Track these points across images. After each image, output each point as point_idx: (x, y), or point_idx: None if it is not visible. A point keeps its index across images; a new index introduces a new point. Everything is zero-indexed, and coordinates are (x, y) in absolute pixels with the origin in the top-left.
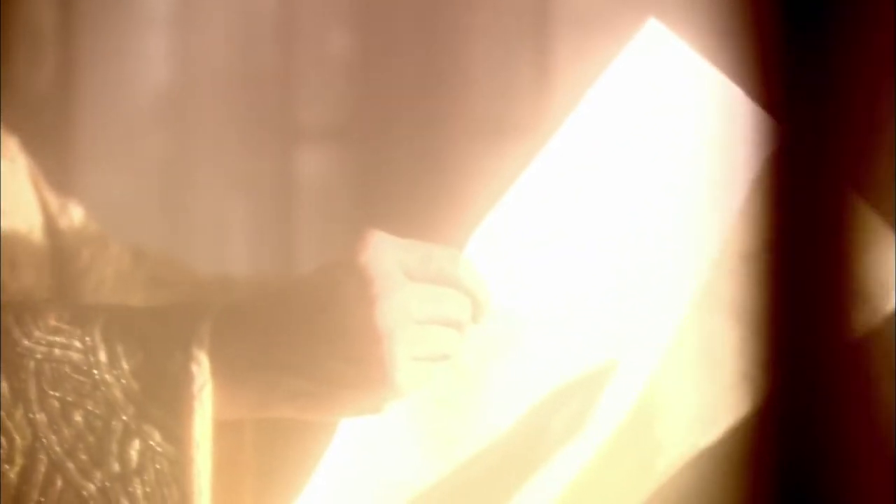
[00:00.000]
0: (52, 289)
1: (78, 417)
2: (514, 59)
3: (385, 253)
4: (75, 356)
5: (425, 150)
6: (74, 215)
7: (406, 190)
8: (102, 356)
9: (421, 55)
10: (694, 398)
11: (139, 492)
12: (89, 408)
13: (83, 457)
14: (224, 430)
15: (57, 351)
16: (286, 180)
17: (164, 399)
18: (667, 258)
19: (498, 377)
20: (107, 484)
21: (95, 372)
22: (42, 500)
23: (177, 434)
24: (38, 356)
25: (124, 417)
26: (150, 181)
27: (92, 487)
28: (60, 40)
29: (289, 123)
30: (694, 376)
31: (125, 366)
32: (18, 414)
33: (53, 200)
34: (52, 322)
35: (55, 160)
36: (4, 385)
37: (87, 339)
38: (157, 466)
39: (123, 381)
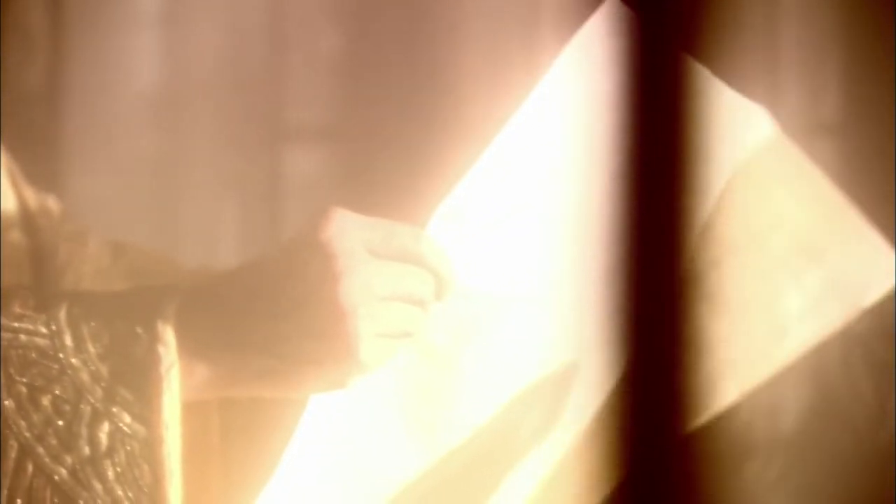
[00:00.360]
0: (30, 287)
1: (46, 402)
2: (502, 59)
3: (348, 230)
4: (41, 342)
5: (414, 150)
6: (53, 213)
7: (394, 189)
8: (68, 340)
9: (410, 56)
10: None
11: (110, 474)
12: (57, 392)
13: (53, 441)
14: (190, 411)
15: (23, 337)
16: (275, 180)
17: (131, 381)
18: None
19: (469, 358)
20: (77, 467)
21: (62, 356)
22: (13, 486)
23: (146, 415)
24: (4, 343)
25: (92, 400)
26: (140, 180)
27: (63, 471)
28: (50, 40)
29: (278, 123)
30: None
31: (91, 349)
32: None
33: (32, 198)
34: (17, 309)
35: (45, 159)
36: None
37: (52, 324)
38: (128, 448)
39: (90, 364)
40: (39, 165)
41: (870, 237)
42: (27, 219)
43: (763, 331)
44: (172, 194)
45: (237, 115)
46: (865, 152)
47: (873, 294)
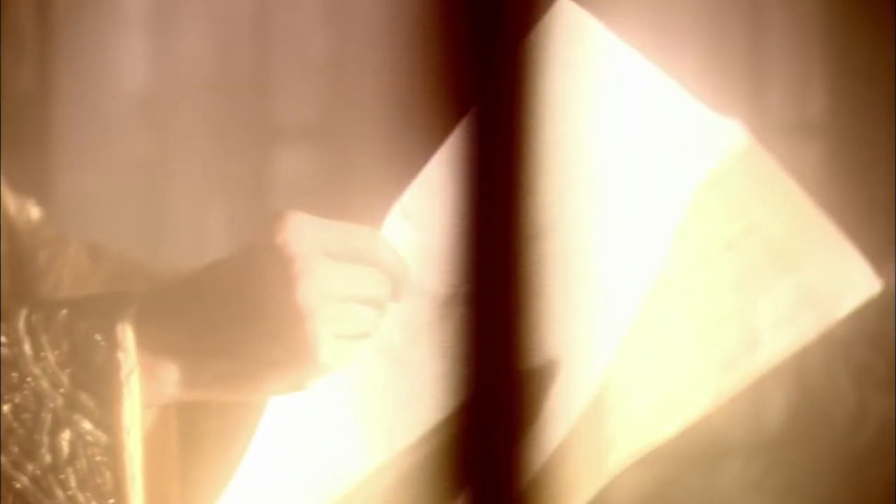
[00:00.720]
0: (9, 291)
1: (6, 410)
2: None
3: (304, 232)
4: (1, 351)
5: (401, 150)
6: (32, 216)
7: (382, 189)
8: (27, 349)
9: (396, 56)
10: (648, 395)
11: (72, 481)
12: (17, 401)
13: (14, 449)
14: (149, 415)
15: None
16: (263, 180)
17: (91, 388)
18: (606, 245)
19: (426, 357)
20: (39, 474)
21: (21, 364)
22: None
23: (107, 422)
24: None
25: (53, 408)
26: (129, 181)
27: (25, 479)
28: (40, 41)
29: (266, 124)
30: (648, 373)
31: (50, 357)
32: None
33: (11, 202)
34: None
35: (34, 160)
36: None
37: (11, 332)
38: (89, 455)
39: (50, 372)
40: (29, 167)
41: (843, 248)
42: (6, 224)
43: (735, 340)
44: (161, 194)
45: (226, 116)
46: (851, 150)
47: (846, 305)
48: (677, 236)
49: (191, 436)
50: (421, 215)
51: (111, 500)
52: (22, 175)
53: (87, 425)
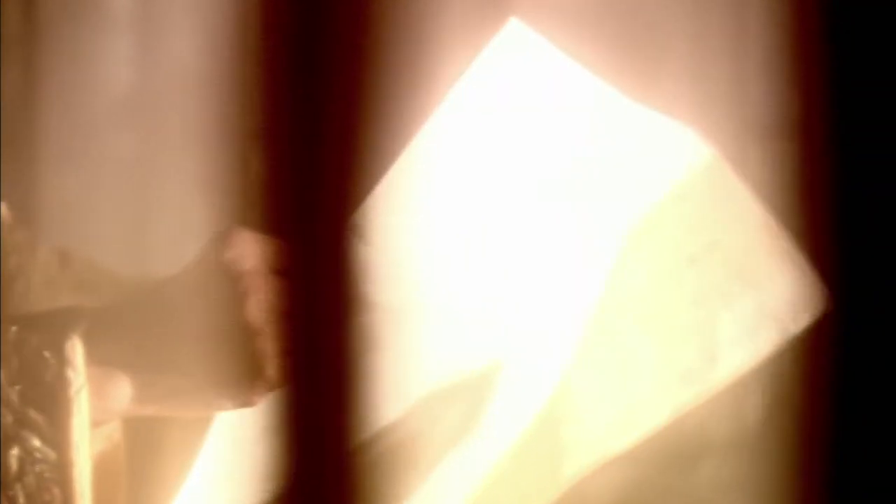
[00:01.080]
0: None
1: None
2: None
3: (251, 250)
4: None
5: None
6: (3, 221)
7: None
8: None
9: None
10: (606, 406)
11: (20, 497)
12: None
13: None
14: (96, 431)
15: None
16: (250, 181)
17: (41, 405)
18: (553, 256)
19: (381, 371)
20: None
21: None
22: None
23: (56, 439)
24: None
25: (2, 424)
26: (114, 182)
27: None
28: (25, 42)
29: (252, 126)
30: (607, 384)
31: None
32: None
33: None
34: None
35: (19, 161)
36: None
37: None
38: (38, 471)
39: None
40: (14, 168)
41: (800, 265)
42: None
43: (695, 355)
44: (147, 195)
45: (211, 117)
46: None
47: (802, 322)
48: (639, 250)
49: (137, 451)
50: (370, 231)
51: None
52: (7, 175)
53: (35, 442)
